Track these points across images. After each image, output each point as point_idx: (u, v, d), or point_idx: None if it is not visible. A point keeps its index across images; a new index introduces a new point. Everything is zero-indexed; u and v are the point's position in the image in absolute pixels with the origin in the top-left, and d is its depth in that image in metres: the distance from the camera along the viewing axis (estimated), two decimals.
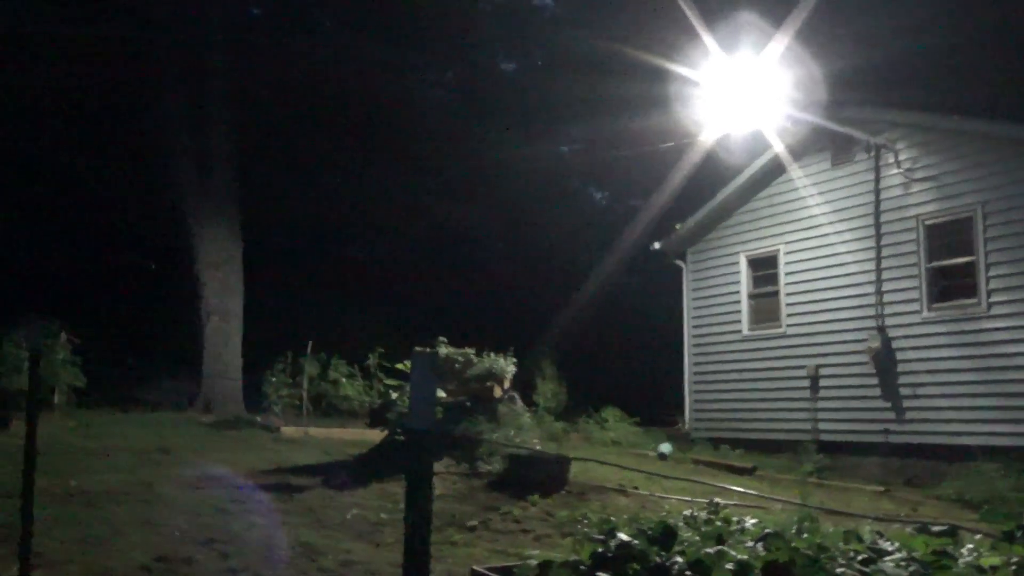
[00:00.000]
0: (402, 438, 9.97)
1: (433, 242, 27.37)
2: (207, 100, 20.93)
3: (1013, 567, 5.56)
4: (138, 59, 21.10)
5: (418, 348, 3.43)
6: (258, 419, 16.50)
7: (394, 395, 10.30)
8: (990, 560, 5.80)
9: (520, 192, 27.36)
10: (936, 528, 6.92)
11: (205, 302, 20.20)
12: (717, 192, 17.07)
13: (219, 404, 19.14)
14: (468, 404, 10.85)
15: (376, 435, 11.36)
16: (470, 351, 11.51)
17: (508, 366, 11.41)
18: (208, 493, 9.19)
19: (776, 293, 15.82)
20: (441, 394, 10.73)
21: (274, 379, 17.85)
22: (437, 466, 10.06)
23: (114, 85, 21.75)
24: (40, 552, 5.90)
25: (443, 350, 11.44)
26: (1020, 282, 12.38)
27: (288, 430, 15.63)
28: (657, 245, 18.05)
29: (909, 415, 13.53)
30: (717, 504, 7.69)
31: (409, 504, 3.43)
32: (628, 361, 22.97)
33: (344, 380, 18.29)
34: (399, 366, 10.41)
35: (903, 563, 5.95)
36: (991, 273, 12.73)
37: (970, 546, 6.49)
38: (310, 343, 18.30)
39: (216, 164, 20.80)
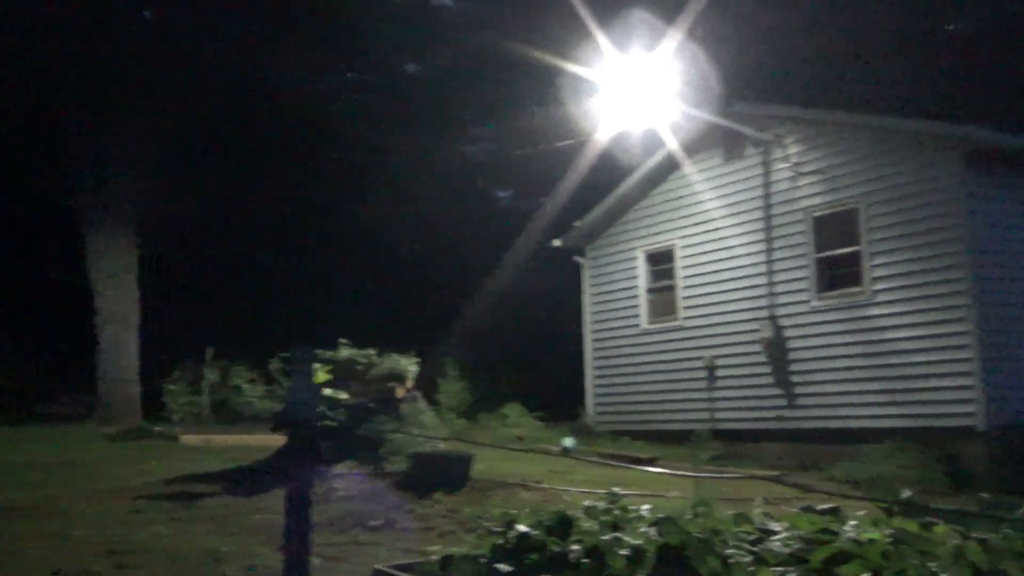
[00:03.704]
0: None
1: (337, 244, 27.17)
2: (104, 108, 20.50)
3: (889, 539, 5.88)
4: (35, 67, 20.55)
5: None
6: (158, 428, 16.24)
7: None
8: (869, 534, 6.11)
9: (424, 192, 27.36)
10: (820, 507, 7.25)
11: (100, 312, 19.80)
12: (616, 189, 17.39)
13: (117, 415, 18.75)
14: (371, 405, 10.87)
15: (279, 440, 11.29)
16: (372, 352, 11.54)
17: (410, 366, 11.47)
18: (109, 505, 9.05)
19: (673, 287, 16.20)
20: (344, 395, 10.74)
21: (173, 387, 17.61)
22: (340, 467, 10.07)
23: (9, 92, 21.15)
24: None
25: (345, 352, 11.45)
26: (901, 270, 12.93)
27: (189, 438, 15.42)
28: (557, 242, 18.31)
29: (801, 401, 14.00)
30: (616, 494, 7.86)
31: (289, 499, 3.51)
32: (532, 358, 23.16)
33: (246, 386, 18.11)
34: (311, 366, 10.38)
35: (790, 541, 6.23)
36: (874, 262, 13.26)
37: (853, 522, 6.81)
38: (210, 350, 18.07)
39: (113, 172, 20.39)
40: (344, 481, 9.75)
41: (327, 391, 10.35)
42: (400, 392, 11.28)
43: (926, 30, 28.18)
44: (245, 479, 10.07)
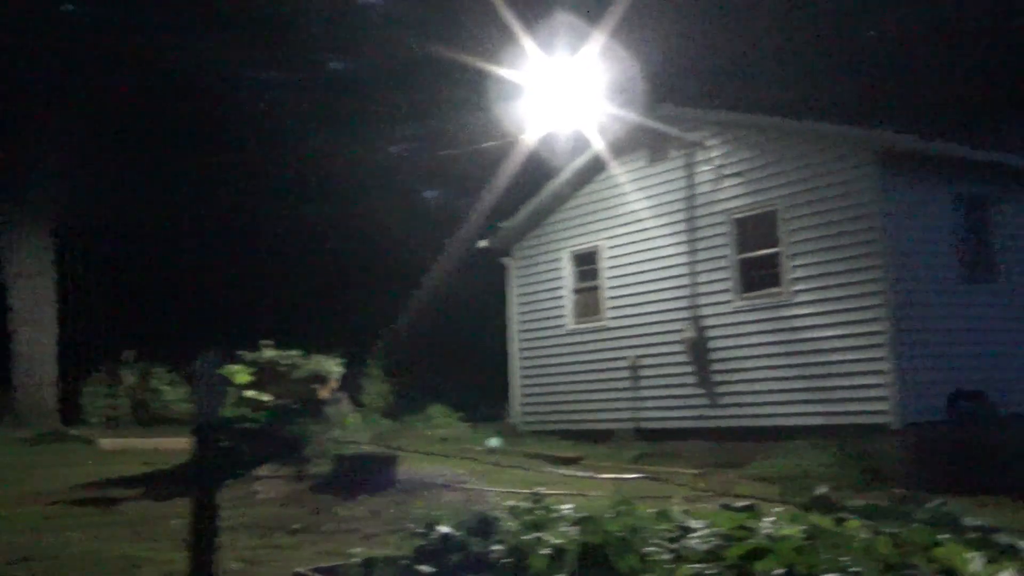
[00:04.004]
0: (226, 444, 9.82)
1: (262, 243, 26.83)
2: (19, 103, 19.99)
3: (803, 534, 6.02)
4: None
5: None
6: (75, 432, 15.88)
7: None
8: (784, 530, 6.24)
9: (352, 192, 27.16)
10: (739, 504, 7.38)
11: (14, 313, 19.33)
12: (542, 190, 17.46)
13: (33, 418, 18.31)
14: (294, 406, 10.79)
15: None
16: (296, 353, 11.45)
17: (334, 367, 11.40)
18: (23, 510, 8.87)
19: (598, 288, 16.32)
20: (266, 397, 10.65)
21: (90, 389, 17.24)
22: (262, 470, 9.97)
23: None
24: None
25: (268, 353, 11.33)
26: (819, 271, 13.20)
27: (108, 442, 15.12)
28: (483, 243, 18.33)
29: (723, 400, 14.21)
30: (539, 494, 7.91)
31: (196, 502, 3.48)
32: (459, 358, 23.13)
33: (166, 388, 17.80)
34: (221, 371, 10.25)
35: (708, 538, 6.33)
36: (794, 263, 13.51)
37: (770, 519, 6.94)
38: (131, 352, 17.73)
39: (28, 170, 19.91)
40: (266, 484, 9.66)
41: (249, 392, 10.26)
42: (324, 393, 11.21)
43: (847, 35, 28.81)
44: (164, 483, 9.92)
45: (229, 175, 26.31)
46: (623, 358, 15.61)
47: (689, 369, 14.67)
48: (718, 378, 14.32)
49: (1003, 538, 5.83)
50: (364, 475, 9.42)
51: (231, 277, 25.64)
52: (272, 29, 28.78)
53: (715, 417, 14.25)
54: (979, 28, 29.38)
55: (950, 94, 26.80)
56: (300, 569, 5.87)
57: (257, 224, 26.34)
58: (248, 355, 11.10)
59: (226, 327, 19.94)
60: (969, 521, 6.15)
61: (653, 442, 14.62)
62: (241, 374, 10.17)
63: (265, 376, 11.12)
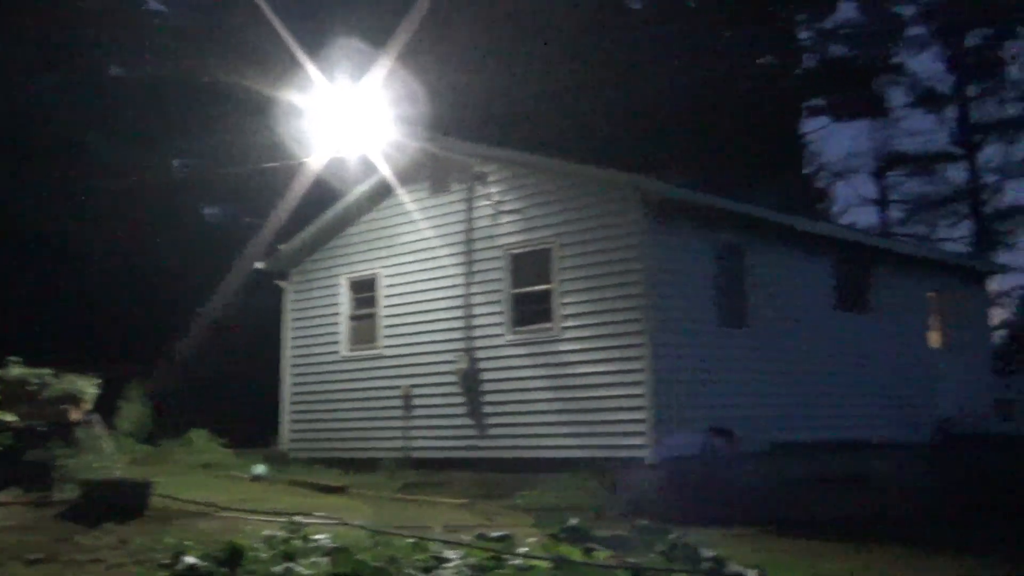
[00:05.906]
0: None
1: (18, 253, 25.18)
2: None
3: (551, 564, 6.24)
4: None
5: None
6: None
7: None
8: (534, 560, 6.45)
9: (124, 204, 25.90)
10: (494, 534, 7.57)
11: None
12: (323, 214, 17.30)
13: None
14: (42, 429, 10.19)
15: None
16: (47, 371, 10.80)
17: (88, 388, 10.82)
18: None
19: (374, 315, 16.30)
20: (11, 418, 10.02)
21: None
22: (2, 495, 9.36)
23: None
24: None
25: (16, 370, 10.65)
26: (587, 308, 13.69)
27: None
28: (259, 265, 17.97)
29: (492, 431, 14.46)
30: (297, 523, 7.81)
31: None
32: (228, 383, 22.45)
33: None
34: None
35: (462, 568, 6.45)
36: (564, 300, 13.96)
37: (525, 548, 7.14)
38: None
39: None
40: (5, 510, 9.07)
41: None
42: (75, 415, 10.62)
43: (626, 87, 30.13)
44: None
45: None
46: (396, 387, 15.63)
47: (461, 400, 14.84)
48: (489, 410, 14.56)
49: (733, 567, 6.24)
50: (114, 502, 8.99)
51: None
52: (48, 28, 27.31)
53: (485, 448, 14.47)
54: (739, 96, 31.57)
55: (713, 151, 28.60)
56: None
57: (13, 231, 24.70)
58: None
59: None
60: (705, 552, 6.54)
61: (423, 472, 14.67)
62: None
63: (12, 395, 10.46)
